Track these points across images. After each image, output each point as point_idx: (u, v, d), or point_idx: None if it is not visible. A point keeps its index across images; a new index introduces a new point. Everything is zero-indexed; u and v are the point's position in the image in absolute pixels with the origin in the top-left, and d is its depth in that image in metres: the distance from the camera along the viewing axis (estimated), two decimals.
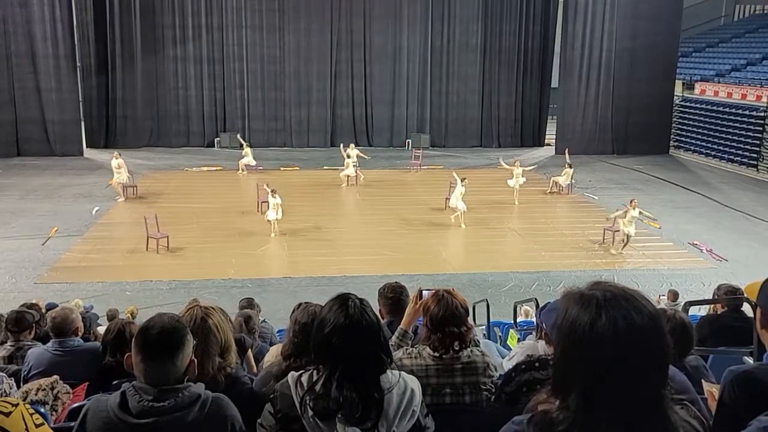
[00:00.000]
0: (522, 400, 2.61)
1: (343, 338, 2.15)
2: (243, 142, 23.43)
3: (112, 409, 2.13)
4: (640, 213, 15.45)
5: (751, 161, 25.25)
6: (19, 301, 9.05)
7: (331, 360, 2.16)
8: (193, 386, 2.22)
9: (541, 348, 3.44)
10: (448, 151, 27.87)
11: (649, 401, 1.44)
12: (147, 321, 2.29)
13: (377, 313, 2.34)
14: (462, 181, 16.91)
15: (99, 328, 8.05)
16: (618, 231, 15.42)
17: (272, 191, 15.93)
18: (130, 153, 25.47)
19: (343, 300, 2.25)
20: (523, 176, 19.46)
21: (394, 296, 4.13)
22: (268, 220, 15.97)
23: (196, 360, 2.33)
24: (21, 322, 4.97)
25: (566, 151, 22.48)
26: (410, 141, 28.20)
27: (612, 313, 1.44)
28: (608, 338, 1.42)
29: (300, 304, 3.36)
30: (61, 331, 4.26)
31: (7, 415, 1.97)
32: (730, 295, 5.63)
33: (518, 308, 9.71)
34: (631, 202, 15.51)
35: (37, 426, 2.03)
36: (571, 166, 20.54)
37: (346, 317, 2.18)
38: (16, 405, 2.02)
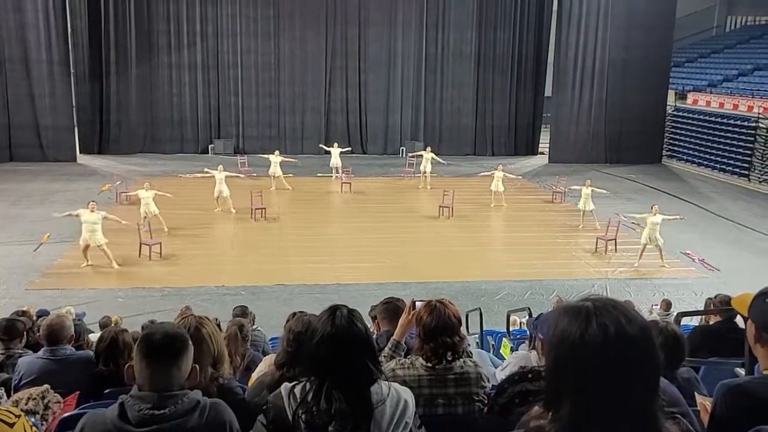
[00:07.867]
0: (515, 411, 2.61)
1: (330, 349, 2.16)
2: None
3: (111, 420, 2.11)
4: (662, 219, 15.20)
5: (742, 171, 25.39)
6: (10, 308, 9.00)
7: (321, 371, 2.17)
8: (191, 393, 2.22)
9: (534, 358, 3.45)
10: (442, 158, 27.82)
11: (640, 412, 1.43)
12: (148, 328, 2.32)
13: (367, 325, 2.34)
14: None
15: (91, 336, 7.97)
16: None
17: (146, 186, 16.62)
18: (123, 159, 25.53)
19: (331, 311, 2.26)
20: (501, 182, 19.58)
21: (391, 302, 4.08)
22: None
23: (197, 366, 2.33)
24: (12, 329, 4.91)
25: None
26: (404, 149, 28.24)
27: (602, 321, 1.43)
28: (599, 346, 1.41)
29: (294, 314, 3.35)
30: (57, 338, 4.21)
31: (11, 425, 2.06)
32: (725, 305, 5.63)
33: (511, 317, 9.71)
34: (652, 207, 15.41)
35: None
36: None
37: (332, 327, 2.19)
38: (19, 416, 2.12)
